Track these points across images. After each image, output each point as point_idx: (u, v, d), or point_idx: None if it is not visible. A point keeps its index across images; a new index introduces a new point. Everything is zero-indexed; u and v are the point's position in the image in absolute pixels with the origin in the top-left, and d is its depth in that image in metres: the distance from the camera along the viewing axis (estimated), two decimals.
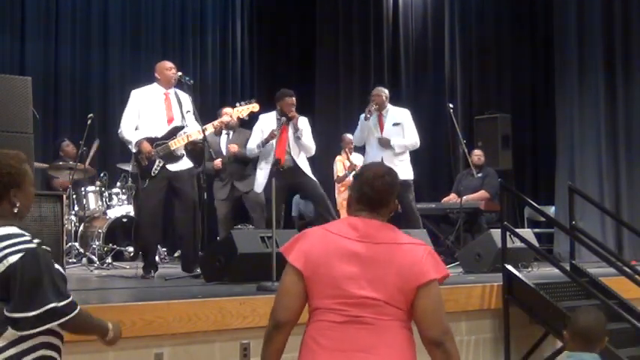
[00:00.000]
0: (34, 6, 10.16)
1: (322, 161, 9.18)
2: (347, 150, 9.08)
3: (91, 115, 8.21)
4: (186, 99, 6.35)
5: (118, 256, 7.95)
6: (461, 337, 5.26)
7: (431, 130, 9.86)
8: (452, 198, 8.92)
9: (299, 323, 2.61)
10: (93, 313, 2.72)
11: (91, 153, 8.38)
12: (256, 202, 7.52)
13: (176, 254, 8.69)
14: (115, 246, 7.97)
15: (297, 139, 6.84)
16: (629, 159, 8.99)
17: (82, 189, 8.27)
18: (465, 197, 8.48)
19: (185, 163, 6.29)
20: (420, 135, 7.62)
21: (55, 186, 8.49)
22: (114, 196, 8.52)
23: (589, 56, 9.30)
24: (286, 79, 10.99)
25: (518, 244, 6.28)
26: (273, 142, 6.77)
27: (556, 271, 5.71)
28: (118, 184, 8.68)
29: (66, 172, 8.24)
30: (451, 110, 8.36)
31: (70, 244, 7.72)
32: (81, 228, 8.16)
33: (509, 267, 5.52)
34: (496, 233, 6.39)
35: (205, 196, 8.00)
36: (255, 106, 6.64)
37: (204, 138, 6.19)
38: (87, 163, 8.21)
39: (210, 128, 6.34)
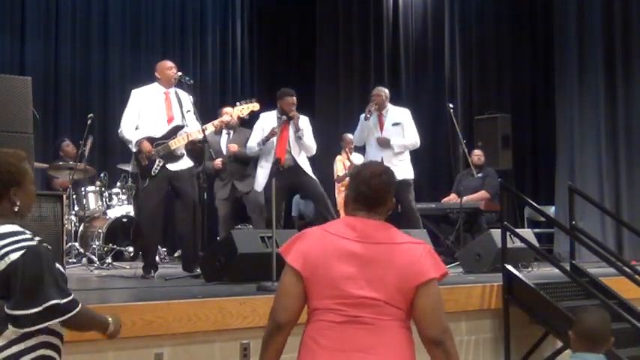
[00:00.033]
0: (34, 6, 10.16)
1: (322, 161, 9.18)
2: (347, 150, 9.09)
3: (91, 115, 8.22)
4: (187, 98, 6.35)
5: (118, 256, 7.95)
6: (461, 337, 5.26)
7: (431, 130, 9.86)
8: (452, 198, 8.93)
9: (298, 323, 2.60)
10: None
11: (86, 150, 8.38)
12: (256, 204, 7.52)
13: (176, 254, 8.69)
14: (115, 246, 7.97)
15: (299, 138, 6.85)
16: (629, 159, 8.99)
17: (82, 189, 8.27)
18: (465, 198, 8.49)
19: (185, 163, 6.29)
20: (420, 135, 7.63)
21: (55, 186, 8.49)
22: (114, 196, 8.52)
23: (589, 56, 9.29)
24: (286, 79, 10.98)
25: (518, 244, 6.27)
26: (274, 140, 6.77)
27: (556, 271, 5.71)
28: (118, 184, 8.68)
29: (66, 172, 8.24)
30: (451, 110, 8.36)
31: (70, 244, 7.72)
32: (81, 228, 8.17)
33: (509, 267, 5.52)
34: (496, 233, 6.39)
35: (205, 196, 8.02)
36: (255, 105, 6.64)
37: (204, 138, 6.18)
38: (79, 159, 8.19)
39: (210, 127, 6.34)
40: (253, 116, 7.08)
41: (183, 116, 6.23)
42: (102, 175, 8.60)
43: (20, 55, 10.02)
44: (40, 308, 2.40)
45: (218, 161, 7.70)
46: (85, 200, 8.26)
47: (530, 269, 6.65)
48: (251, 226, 7.84)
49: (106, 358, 3.78)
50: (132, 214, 8.36)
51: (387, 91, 7.72)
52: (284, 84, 7.43)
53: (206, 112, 7.91)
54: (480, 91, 10.82)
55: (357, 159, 8.98)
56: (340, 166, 9.36)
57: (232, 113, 6.66)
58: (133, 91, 6.39)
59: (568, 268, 5.82)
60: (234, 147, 7.68)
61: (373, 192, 2.57)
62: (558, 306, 5.19)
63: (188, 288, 5.31)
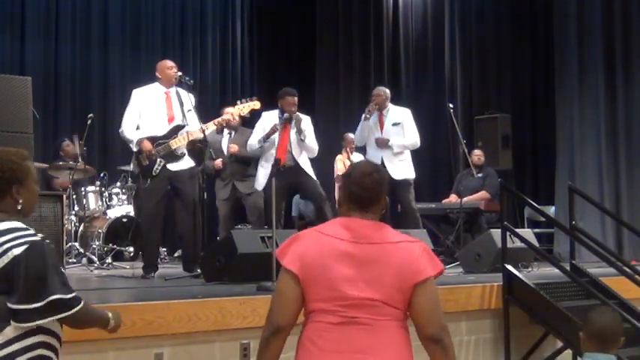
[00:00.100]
0: (34, 6, 10.16)
1: (322, 161, 9.17)
2: (348, 149, 9.08)
3: (91, 115, 8.22)
4: (188, 98, 6.34)
5: (118, 256, 7.95)
6: (461, 337, 5.26)
7: (431, 130, 9.86)
8: (452, 199, 8.93)
9: (296, 323, 2.60)
10: None
11: (77, 149, 8.42)
12: (255, 207, 7.53)
13: (176, 254, 8.69)
14: (115, 246, 7.97)
15: (301, 141, 6.84)
16: (629, 159, 8.99)
17: (82, 189, 8.27)
18: (465, 198, 8.49)
19: (186, 163, 6.28)
20: (420, 135, 7.62)
21: (55, 186, 8.49)
22: (114, 196, 8.53)
23: (589, 56, 9.30)
24: (286, 79, 10.98)
25: (518, 244, 6.27)
26: (276, 139, 6.78)
27: (556, 271, 5.71)
28: (118, 184, 8.68)
29: (66, 172, 8.24)
30: (451, 110, 8.36)
31: (70, 244, 7.72)
32: (81, 228, 8.16)
33: (509, 267, 5.52)
34: (496, 233, 6.39)
35: (205, 196, 8.01)
36: (256, 104, 6.63)
37: (204, 137, 6.17)
38: (80, 157, 8.20)
39: (211, 126, 6.34)
40: (255, 116, 7.08)
41: (184, 116, 6.22)
42: (102, 175, 8.60)
43: (20, 55, 10.02)
44: (43, 303, 2.41)
45: (218, 161, 7.70)
46: (85, 200, 8.26)
47: (530, 269, 6.65)
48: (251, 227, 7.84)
49: (106, 358, 3.78)
50: (132, 214, 8.36)
51: (387, 91, 7.72)
52: (284, 84, 7.43)
53: (206, 112, 7.89)
54: (480, 91, 10.82)
55: (358, 159, 8.96)
56: (341, 165, 9.35)
57: (233, 112, 6.65)
58: (133, 90, 6.39)
59: (568, 268, 5.82)
60: (234, 147, 7.68)
61: (365, 191, 2.56)
62: (558, 306, 5.19)
63: (188, 288, 5.31)
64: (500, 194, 7.22)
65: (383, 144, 7.42)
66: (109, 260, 7.61)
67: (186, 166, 6.27)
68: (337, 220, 2.60)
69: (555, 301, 5.25)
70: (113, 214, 8.35)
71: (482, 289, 5.43)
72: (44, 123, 9.10)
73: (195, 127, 6.18)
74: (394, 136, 7.45)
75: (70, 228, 7.85)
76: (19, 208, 2.58)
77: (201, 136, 6.14)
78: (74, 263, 7.52)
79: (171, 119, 6.26)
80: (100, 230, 8.00)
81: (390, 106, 7.63)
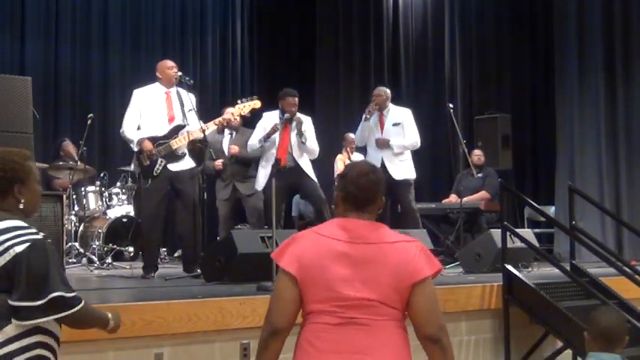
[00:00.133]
0: (34, 6, 10.16)
1: (322, 161, 9.14)
2: (348, 149, 9.08)
3: (91, 115, 8.21)
4: (189, 98, 6.34)
5: (118, 256, 7.95)
6: (461, 337, 5.26)
7: (431, 130, 9.86)
8: (452, 199, 8.92)
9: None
10: None
11: (69, 151, 8.44)
12: (254, 208, 7.53)
13: (176, 254, 8.69)
14: (115, 246, 7.97)
15: (302, 144, 6.84)
16: (629, 159, 8.99)
17: (82, 189, 8.27)
18: (465, 198, 8.49)
19: (186, 163, 6.28)
20: (421, 135, 7.62)
21: (55, 186, 8.49)
22: (114, 196, 8.53)
23: (589, 56, 9.30)
24: (286, 79, 10.98)
25: (518, 244, 6.27)
26: (276, 139, 6.78)
27: (556, 271, 5.71)
28: (118, 184, 8.68)
29: (66, 172, 8.24)
30: (451, 110, 8.36)
31: (70, 244, 7.72)
32: (81, 228, 8.17)
33: (509, 267, 5.52)
34: (496, 233, 6.39)
35: (205, 196, 8.00)
36: (256, 103, 6.62)
37: (205, 137, 6.17)
38: (80, 158, 8.23)
39: (212, 126, 6.34)
40: (256, 117, 7.08)
41: (184, 116, 6.23)
42: (102, 175, 8.60)
43: (20, 55, 10.01)
44: (44, 300, 2.42)
45: (219, 162, 7.69)
46: (85, 200, 8.26)
47: (530, 269, 6.65)
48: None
49: (106, 358, 3.79)
50: (132, 214, 8.37)
51: (388, 91, 7.71)
52: (284, 84, 7.44)
53: (206, 112, 7.91)
54: (480, 91, 10.82)
55: (358, 159, 8.97)
56: (341, 165, 9.34)
57: (234, 112, 6.64)
58: (134, 91, 6.40)
59: (568, 268, 5.82)
60: (234, 149, 7.67)
61: (361, 191, 2.56)
62: (558, 306, 5.19)
63: (188, 288, 5.31)
64: (500, 194, 7.22)
65: (383, 144, 7.42)
66: (109, 260, 7.61)
67: (186, 166, 6.27)
68: (334, 220, 2.60)
69: (555, 301, 5.25)
70: (113, 214, 8.35)
71: (482, 289, 5.43)
72: (44, 123, 9.10)
73: (195, 127, 6.18)
74: (394, 137, 7.44)
75: (70, 228, 7.85)
76: (21, 207, 2.59)
77: (202, 136, 6.14)
78: (74, 263, 7.52)
79: (171, 119, 6.26)
80: (100, 230, 8.00)
81: (391, 106, 7.63)
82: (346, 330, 2.45)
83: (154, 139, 6.16)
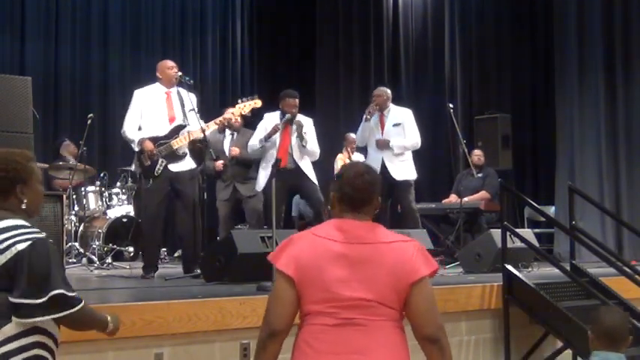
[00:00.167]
0: (34, 6, 10.17)
1: (323, 160, 9.14)
2: (349, 149, 9.08)
3: (91, 115, 8.21)
4: (190, 98, 6.34)
5: (118, 256, 7.95)
6: (461, 337, 5.26)
7: (431, 130, 9.85)
8: (452, 199, 8.92)
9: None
10: None
11: (69, 151, 8.44)
12: (254, 210, 7.53)
13: (176, 254, 8.69)
14: (115, 246, 7.97)
15: (303, 147, 6.84)
16: (629, 159, 8.99)
17: (82, 189, 8.27)
18: (465, 198, 8.49)
19: (187, 164, 6.28)
20: (421, 135, 7.60)
21: (55, 186, 8.49)
22: (114, 196, 8.53)
23: (589, 56, 9.30)
24: (286, 79, 10.99)
25: (518, 244, 6.27)
26: (277, 140, 6.77)
27: (556, 271, 5.71)
28: (118, 184, 8.68)
29: (66, 172, 8.24)
30: (451, 110, 8.36)
31: (70, 244, 7.72)
32: (81, 228, 8.17)
33: (509, 267, 5.52)
34: (496, 233, 6.39)
35: (205, 196, 8.00)
36: (257, 102, 6.60)
37: (205, 137, 6.17)
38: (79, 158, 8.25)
39: (212, 126, 6.34)
40: (257, 118, 7.07)
41: (185, 116, 6.23)
42: (102, 175, 8.60)
43: (20, 55, 10.02)
44: (45, 298, 2.42)
45: (219, 163, 7.66)
46: (85, 200, 8.27)
47: (530, 269, 6.65)
48: None
49: (106, 358, 3.79)
50: (132, 214, 8.37)
51: (388, 91, 7.70)
52: (284, 84, 7.44)
53: (207, 111, 7.91)
54: (480, 91, 10.82)
55: (359, 159, 8.98)
56: (341, 164, 9.34)
57: (234, 111, 6.62)
58: (135, 91, 6.40)
59: (568, 268, 5.82)
60: (235, 150, 7.65)
61: (357, 192, 2.56)
62: (558, 306, 5.19)
63: (188, 288, 5.31)
64: (500, 194, 7.22)
65: (383, 145, 7.40)
66: (109, 260, 7.61)
67: (186, 167, 6.27)
68: (331, 221, 2.60)
69: (555, 301, 5.25)
70: (113, 214, 8.35)
71: (482, 289, 5.43)
72: (44, 123, 9.10)
73: (196, 127, 6.18)
74: (395, 137, 7.43)
75: (70, 228, 7.85)
76: (23, 207, 2.61)
77: (202, 135, 6.14)
78: (74, 263, 7.52)
79: (172, 119, 6.26)
80: (100, 230, 8.00)
81: (392, 106, 7.62)
82: (344, 331, 2.45)
83: (154, 139, 6.16)
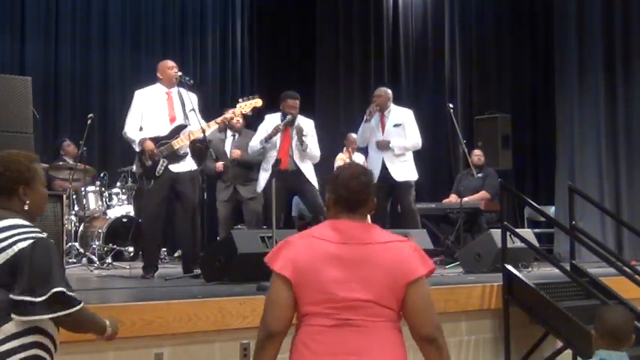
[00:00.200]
0: (34, 6, 10.16)
1: (322, 161, 9.13)
2: (350, 149, 9.08)
3: (91, 115, 8.22)
4: (191, 97, 6.34)
5: (118, 256, 7.96)
6: (461, 337, 5.26)
7: (431, 130, 9.85)
8: (452, 199, 8.92)
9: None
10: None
11: (69, 151, 8.52)
12: (253, 212, 7.52)
13: (176, 254, 8.69)
14: (115, 246, 7.98)
15: (304, 152, 6.83)
16: (629, 159, 8.99)
17: (82, 189, 8.27)
18: (465, 198, 8.49)
19: (188, 165, 6.27)
20: (421, 135, 7.60)
21: (55, 186, 8.49)
22: (114, 196, 8.53)
23: (589, 56, 9.30)
24: (286, 79, 11.00)
25: (518, 244, 6.27)
26: (277, 142, 6.77)
27: (556, 271, 5.71)
28: (118, 184, 8.68)
29: (66, 172, 8.24)
30: (451, 110, 8.36)
31: (70, 244, 7.72)
32: (81, 228, 8.17)
33: (509, 267, 5.52)
34: (496, 233, 6.39)
35: (205, 196, 7.99)
36: (258, 101, 6.58)
37: (204, 137, 6.17)
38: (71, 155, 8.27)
39: (213, 125, 6.34)
40: (259, 119, 7.07)
41: (185, 116, 6.23)
42: (102, 175, 8.60)
43: (20, 55, 10.02)
44: (46, 296, 2.43)
45: (220, 164, 7.65)
46: (85, 200, 8.27)
47: (530, 269, 6.65)
48: None
49: (106, 358, 3.78)
50: (132, 214, 8.36)
51: (389, 91, 7.69)
52: (284, 84, 7.44)
53: (207, 112, 7.91)
54: (480, 91, 10.82)
55: (359, 159, 9.00)
56: (341, 164, 9.35)
57: (235, 110, 6.61)
58: (135, 92, 6.40)
59: (568, 268, 5.82)
60: (237, 152, 7.62)
61: (352, 194, 2.56)
62: (558, 306, 5.19)
63: (188, 288, 5.31)
64: (500, 194, 7.22)
65: (383, 146, 7.39)
66: (108, 260, 7.62)
67: (187, 168, 6.27)
68: (326, 222, 2.60)
69: (555, 301, 5.25)
70: (113, 214, 8.36)
71: (482, 289, 5.43)
72: (44, 123, 9.10)
73: (197, 127, 6.18)
74: (395, 138, 7.41)
75: (70, 228, 7.85)
76: (26, 209, 2.62)
77: (202, 135, 6.13)
78: (74, 263, 7.52)
79: (172, 119, 6.26)
80: (100, 230, 8.00)
81: (392, 106, 7.60)
82: (341, 332, 2.45)
83: (155, 140, 6.16)
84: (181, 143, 6.16)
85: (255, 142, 6.98)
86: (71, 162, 8.36)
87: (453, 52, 11.06)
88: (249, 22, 12.32)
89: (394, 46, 11.68)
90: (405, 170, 7.38)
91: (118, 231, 8.15)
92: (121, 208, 8.49)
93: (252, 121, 7.67)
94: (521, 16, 10.60)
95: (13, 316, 2.43)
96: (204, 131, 6.09)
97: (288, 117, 6.79)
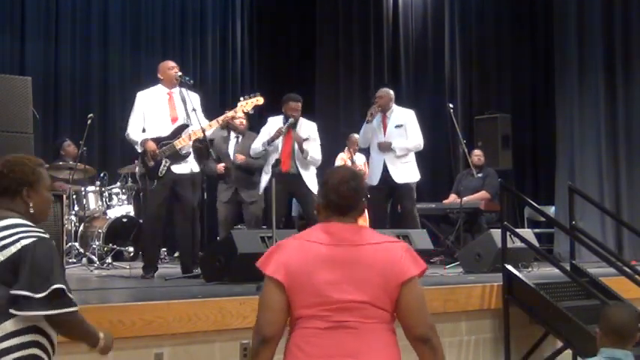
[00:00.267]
0: (34, 6, 10.16)
1: (322, 161, 9.13)
2: (351, 150, 9.08)
3: (91, 115, 8.22)
4: (193, 97, 6.33)
5: (118, 256, 7.96)
6: (461, 337, 5.26)
7: (431, 130, 9.83)
8: (452, 199, 8.92)
9: None
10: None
11: (69, 151, 8.55)
12: (253, 215, 7.52)
13: (176, 254, 8.68)
14: (115, 246, 7.98)
15: (304, 159, 6.83)
16: (629, 159, 8.99)
17: (82, 189, 8.27)
18: (465, 198, 8.49)
19: (189, 166, 6.28)
20: (421, 135, 7.59)
21: (55, 186, 8.49)
22: (114, 196, 8.53)
23: (589, 56, 9.29)
24: (286, 79, 11.00)
25: (518, 244, 6.27)
26: (279, 145, 6.77)
27: (556, 271, 5.71)
28: (118, 184, 8.68)
29: (66, 172, 8.24)
30: (451, 110, 8.36)
31: (70, 244, 7.72)
32: (81, 228, 8.17)
33: (509, 267, 5.51)
34: (496, 233, 6.39)
35: (205, 196, 7.97)
36: (259, 99, 6.56)
37: (204, 137, 6.17)
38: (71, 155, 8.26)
39: (214, 124, 6.34)
40: (262, 122, 7.06)
41: (187, 115, 6.23)
42: (102, 175, 8.60)
43: (20, 55, 10.02)
44: (46, 292, 2.44)
45: (221, 166, 7.63)
46: (85, 200, 8.27)
47: (530, 269, 6.65)
48: None
49: (106, 358, 3.78)
50: (132, 214, 8.36)
51: (391, 92, 7.66)
52: (284, 84, 7.45)
53: (207, 112, 7.90)
54: (480, 91, 10.82)
55: (360, 159, 9.01)
56: (341, 164, 9.34)
57: (236, 109, 6.60)
58: (137, 93, 6.41)
59: (568, 268, 5.82)
60: (241, 157, 7.58)
61: (342, 199, 2.56)
62: (558, 306, 5.19)
63: (188, 288, 5.31)
64: (500, 194, 7.22)
65: (385, 148, 7.37)
66: (109, 260, 7.62)
67: (188, 170, 6.27)
68: (317, 225, 2.60)
69: (555, 301, 5.25)
70: (113, 214, 8.35)
71: (482, 289, 5.43)
72: (44, 123, 9.10)
73: (198, 127, 6.17)
74: (397, 139, 7.39)
75: (70, 228, 7.85)
76: (31, 212, 2.63)
77: (202, 135, 6.14)
78: (74, 263, 7.52)
79: (174, 119, 6.27)
80: (100, 230, 8.00)
81: (394, 107, 7.57)
82: (336, 334, 2.44)
83: (157, 140, 6.17)
84: (183, 143, 6.16)
85: (258, 145, 6.99)
86: (71, 162, 8.35)
87: (453, 52, 11.06)
88: (249, 22, 12.31)
89: (394, 46, 11.68)
90: (406, 172, 7.36)
91: (118, 231, 8.15)
92: (121, 208, 8.48)
93: (255, 123, 7.65)
94: (521, 16, 10.60)
95: (11, 310, 2.43)
96: (204, 131, 6.09)
97: (290, 120, 6.80)
